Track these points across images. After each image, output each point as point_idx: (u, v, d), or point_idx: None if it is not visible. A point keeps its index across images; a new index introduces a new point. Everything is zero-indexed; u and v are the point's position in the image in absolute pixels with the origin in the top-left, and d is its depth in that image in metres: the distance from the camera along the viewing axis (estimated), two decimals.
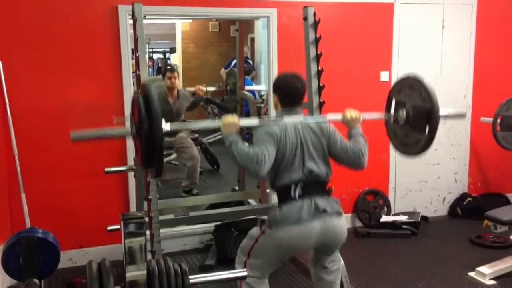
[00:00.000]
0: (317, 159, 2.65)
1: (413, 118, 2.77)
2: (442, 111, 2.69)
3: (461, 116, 3.19)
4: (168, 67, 5.86)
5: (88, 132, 2.31)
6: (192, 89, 5.71)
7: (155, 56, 15.56)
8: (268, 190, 4.53)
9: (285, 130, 2.60)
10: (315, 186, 2.63)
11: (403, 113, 2.81)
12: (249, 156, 2.45)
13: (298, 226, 2.53)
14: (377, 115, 2.96)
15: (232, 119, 2.55)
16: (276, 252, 2.68)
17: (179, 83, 5.27)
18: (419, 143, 2.74)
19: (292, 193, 2.57)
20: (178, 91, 5.30)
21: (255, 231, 2.74)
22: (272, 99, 2.85)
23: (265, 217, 2.70)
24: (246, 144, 2.56)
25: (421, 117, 2.70)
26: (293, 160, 2.59)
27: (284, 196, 2.60)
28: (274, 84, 2.81)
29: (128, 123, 2.27)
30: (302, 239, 2.56)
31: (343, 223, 2.67)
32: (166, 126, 2.34)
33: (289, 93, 2.72)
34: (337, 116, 2.80)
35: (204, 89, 5.76)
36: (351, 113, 2.77)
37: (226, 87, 5.75)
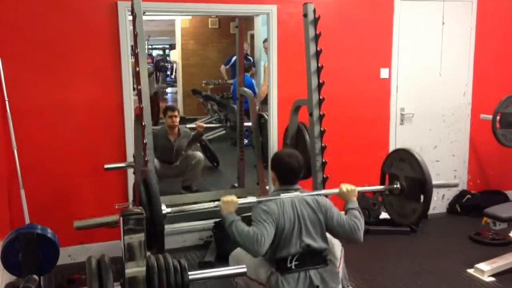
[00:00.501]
0: (314, 234, 2.71)
1: (407, 189, 2.92)
2: (434, 182, 2.85)
3: (454, 186, 3.32)
4: (169, 105, 5.93)
5: (90, 221, 2.41)
6: (192, 125, 5.84)
7: (155, 52, 15.54)
8: (267, 187, 4.53)
9: (283, 207, 2.68)
10: (312, 258, 2.69)
11: (397, 186, 2.96)
12: (248, 236, 2.55)
13: None
14: (372, 188, 3.10)
15: (230, 198, 2.68)
16: None
17: (179, 121, 5.36)
18: (416, 212, 2.88)
19: (288, 264, 2.65)
20: (179, 129, 5.35)
21: (263, 274, 2.73)
22: (270, 175, 2.94)
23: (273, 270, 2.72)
24: (245, 226, 2.61)
25: (415, 187, 2.85)
26: (291, 235, 2.66)
27: (281, 266, 2.67)
28: (272, 162, 2.92)
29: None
30: None
31: None
32: (166, 209, 2.45)
33: (285, 173, 2.83)
34: (334, 190, 2.91)
35: (204, 125, 5.91)
36: (346, 187, 2.87)
37: (226, 122, 5.89)
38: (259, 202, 2.75)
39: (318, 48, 3.46)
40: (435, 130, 5.06)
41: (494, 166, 5.32)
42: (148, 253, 1.81)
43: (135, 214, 1.70)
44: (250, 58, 8.97)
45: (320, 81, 3.46)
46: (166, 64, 11.76)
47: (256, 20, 8.56)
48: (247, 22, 6.89)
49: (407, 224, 3.02)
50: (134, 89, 4.00)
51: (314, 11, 3.46)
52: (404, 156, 2.96)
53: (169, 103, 11.50)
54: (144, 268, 1.68)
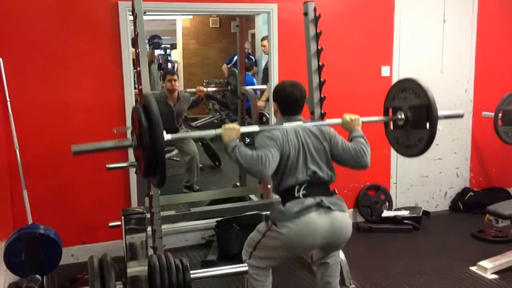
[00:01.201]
0: (320, 162, 2.67)
1: (412, 117, 2.84)
2: (440, 112, 2.76)
3: (459, 116, 3.25)
4: (168, 69, 5.81)
5: (89, 145, 2.33)
6: (192, 90, 5.76)
7: (156, 52, 15.50)
8: (269, 186, 4.54)
9: (287, 135, 2.64)
10: (319, 187, 2.65)
11: (401, 116, 2.88)
12: (253, 158, 2.48)
13: (300, 219, 2.52)
14: (376, 118, 3.02)
15: (232, 125, 2.61)
16: (282, 250, 2.69)
17: (179, 85, 5.31)
18: (422, 141, 2.79)
19: (296, 193, 2.59)
20: (178, 93, 5.32)
21: (263, 226, 2.74)
22: (272, 107, 2.87)
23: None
24: (248, 150, 2.55)
25: (420, 114, 2.77)
26: (297, 162, 2.62)
27: (288, 196, 2.61)
28: (274, 93, 2.84)
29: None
30: (306, 234, 2.54)
31: (349, 219, 2.69)
32: (166, 136, 2.36)
33: (288, 102, 2.76)
34: (336, 120, 2.83)
35: (204, 89, 5.80)
36: (350, 116, 2.80)
37: (227, 86, 5.75)
38: (262, 130, 2.68)
39: (319, 47, 3.46)
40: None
41: (497, 163, 5.32)
42: (150, 253, 1.82)
43: (137, 213, 1.70)
44: (252, 57, 8.99)
45: (321, 79, 3.46)
46: (160, 40, 11.68)
47: (257, 19, 8.57)
48: (248, 21, 6.90)
49: (414, 155, 2.92)
50: (135, 89, 4.01)
51: (315, 9, 3.46)
52: (406, 86, 2.87)
53: None
54: (146, 268, 1.69)
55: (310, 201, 2.56)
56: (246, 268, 1.88)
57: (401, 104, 2.89)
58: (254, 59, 8.98)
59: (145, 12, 3.33)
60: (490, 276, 3.68)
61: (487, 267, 3.71)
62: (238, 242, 3.96)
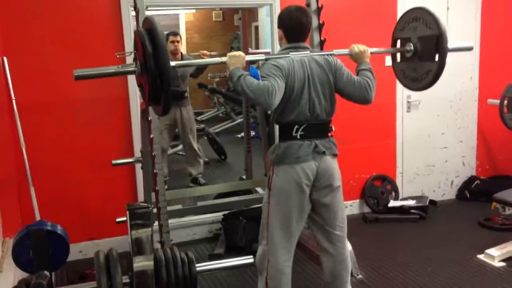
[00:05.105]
0: (322, 96, 2.64)
1: (421, 49, 2.78)
2: (449, 44, 2.69)
3: (468, 49, 3.13)
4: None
5: (92, 70, 2.28)
6: (196, 54, 5.66)
7: None
8: None
9: (293, 65, 2.59)
10: (317, 128, 2.66)
11: (410, 47, 2.82)
12: (259, 88, 2.44)
13: (297, 164, 2.60)
14: (385, 49, 2.97)
15: (238, 53, 2.59)
16: (287, 192, 2.65)
17: (182, 47, 5.18)
18: (430, 73, 2.74)
19: (294, 133, 2.62)
20: (182, 55, 5.22)
21: (265, 197, 2.75)
22: (277, 34, 2.81)
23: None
24: (254, 79, 2.52)
25: (429, 45, 2.72)
26: (301, 95, 2.59)
27: (286, 134, 2.64)
28: (279, 18, 2.77)
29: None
30: (301, 174, 2.61)
31: (336, 164, 2.73)
32: (171, 63, 2.32)
33: (294, 28, 2.69)
34: (344, 51, 2.77)
35: (208, 53, 5.71)
36: (358, 47, 2.76)
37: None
38: (268, 59, 2.65)
39: (322, 38, 3.45)
40: (442, 117, 5.04)
41: (503, 151, 5.29)
42: (157, 247, 1.83)
43: (141, 208, 1.71)
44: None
45: None
46: None
47: (260, 12, 8.54)
48: (251, 13, 6.86)
49: (421, 88, 2.86)
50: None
51: (317, 0, 3.45)
52: (417, 15, 2.80)
53: None
54: (152, 262, 1.70)
55: (306, 148, 2.60)
56: (252, 260, 1.89)
57: (410, 34, 2.82)
58: None
59: (147, 7, 3.32)
60: (498, 264, 3.68)
61: (495, 255, 3.71)
62: (245, 235, 3.97)
